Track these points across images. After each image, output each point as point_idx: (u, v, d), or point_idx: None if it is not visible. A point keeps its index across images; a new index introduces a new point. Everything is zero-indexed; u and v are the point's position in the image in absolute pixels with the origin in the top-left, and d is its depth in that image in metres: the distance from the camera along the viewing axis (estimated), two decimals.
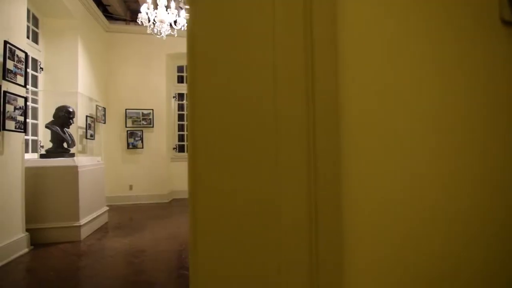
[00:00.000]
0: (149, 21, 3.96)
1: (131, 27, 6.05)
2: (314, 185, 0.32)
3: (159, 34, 4.02)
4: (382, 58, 0.32)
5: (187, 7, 0.33)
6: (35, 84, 4.31)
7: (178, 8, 4.17)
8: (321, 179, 0.32)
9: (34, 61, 4.27)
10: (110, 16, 5.94)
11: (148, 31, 4.05)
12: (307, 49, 0.32)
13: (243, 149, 0.33)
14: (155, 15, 3.92)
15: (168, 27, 3.99)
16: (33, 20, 4.27)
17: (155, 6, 4.00)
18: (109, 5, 5.74)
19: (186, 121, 6.64)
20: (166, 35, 4.08)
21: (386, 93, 0.32)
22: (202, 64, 0.31)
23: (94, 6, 5.17)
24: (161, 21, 3.86)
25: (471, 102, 0.40)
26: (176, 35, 4.30)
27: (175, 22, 4.11)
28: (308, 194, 0.32)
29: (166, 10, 3.92)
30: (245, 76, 0.33)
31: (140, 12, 3.92)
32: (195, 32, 0.32)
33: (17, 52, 3.11)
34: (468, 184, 0.38)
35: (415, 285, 0.31)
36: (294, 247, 0.32)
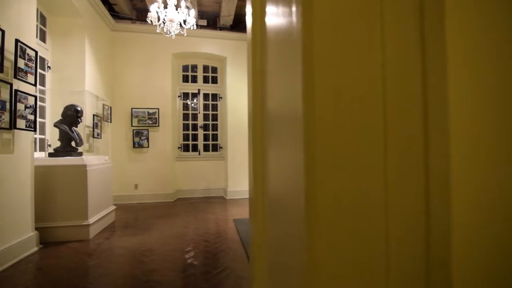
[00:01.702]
0: (158, 20, 3.95)
1: (137, 26, 6.05)
2: (425, 188, 0.33)
3: (168, 33, 4.01)
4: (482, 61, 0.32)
5: (297, 12, 0.34)
6: (42, 83, 4.32)
7: (187, 7, 4.18)
8: (432, 180, 0.32)
9: (42, 59, 4.28)
10: (116, 15, 5.94)
11: (158, 30, 4.04)
12: (417, 50, 0.33)
13: (356, 150, 0.34)
14: (165, 14, 3.92)
15: (178, 26, 3.99)
16: (41, 19, 4.27)
17: (165, 5, 4.00)
18: (115, 4, 5.73)
19: (192, 120, 6.65)
20: (175, 34, 4.08)
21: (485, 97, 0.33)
22: (320, 70, 0.32)
23: (100, 4, 5.17)
24: (171, 20, 3.86)
25: None
26: (185, 35, 4.30)
27: (184, 21, 4.11)
28: (419, 195, 0.33)
29: (176, 9, 3.92)
30: (357, 79, 0.34)
31: (150, 11, 3.91)
32: (311, 40, 0.33)
33: (28, 50, 3.11)
34: None
35: None
36: (403, 251, 0.33)
